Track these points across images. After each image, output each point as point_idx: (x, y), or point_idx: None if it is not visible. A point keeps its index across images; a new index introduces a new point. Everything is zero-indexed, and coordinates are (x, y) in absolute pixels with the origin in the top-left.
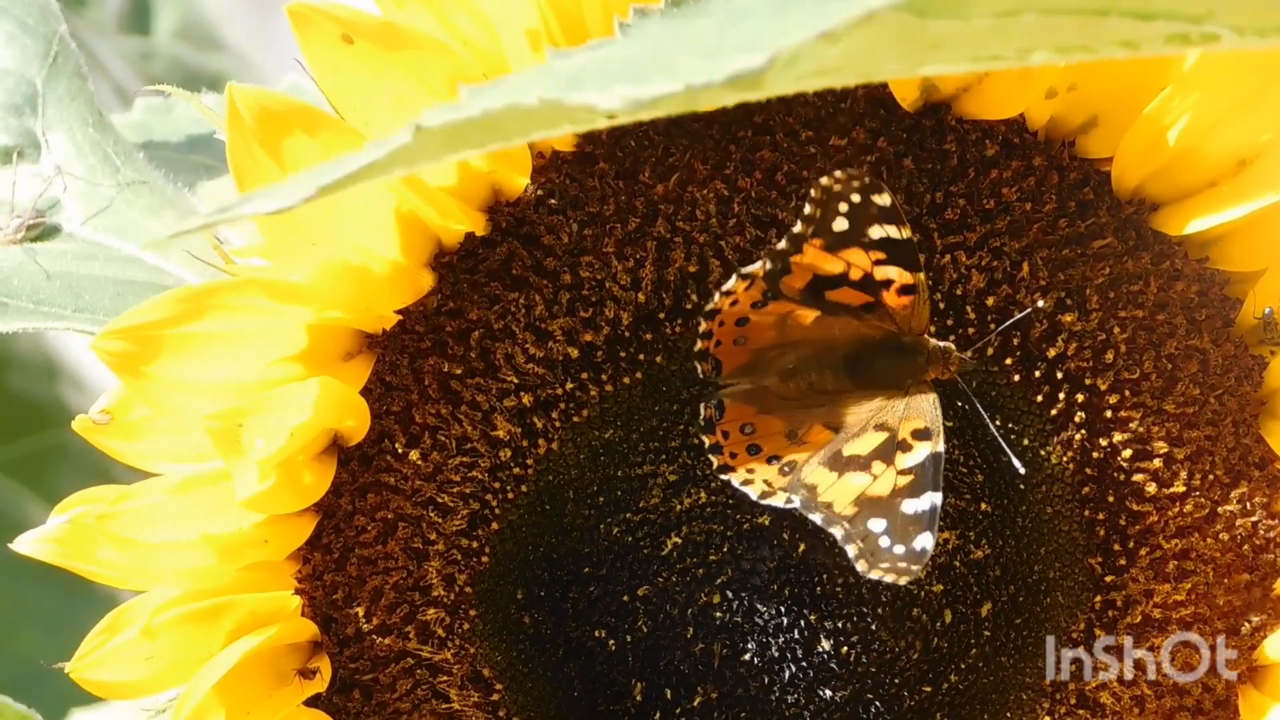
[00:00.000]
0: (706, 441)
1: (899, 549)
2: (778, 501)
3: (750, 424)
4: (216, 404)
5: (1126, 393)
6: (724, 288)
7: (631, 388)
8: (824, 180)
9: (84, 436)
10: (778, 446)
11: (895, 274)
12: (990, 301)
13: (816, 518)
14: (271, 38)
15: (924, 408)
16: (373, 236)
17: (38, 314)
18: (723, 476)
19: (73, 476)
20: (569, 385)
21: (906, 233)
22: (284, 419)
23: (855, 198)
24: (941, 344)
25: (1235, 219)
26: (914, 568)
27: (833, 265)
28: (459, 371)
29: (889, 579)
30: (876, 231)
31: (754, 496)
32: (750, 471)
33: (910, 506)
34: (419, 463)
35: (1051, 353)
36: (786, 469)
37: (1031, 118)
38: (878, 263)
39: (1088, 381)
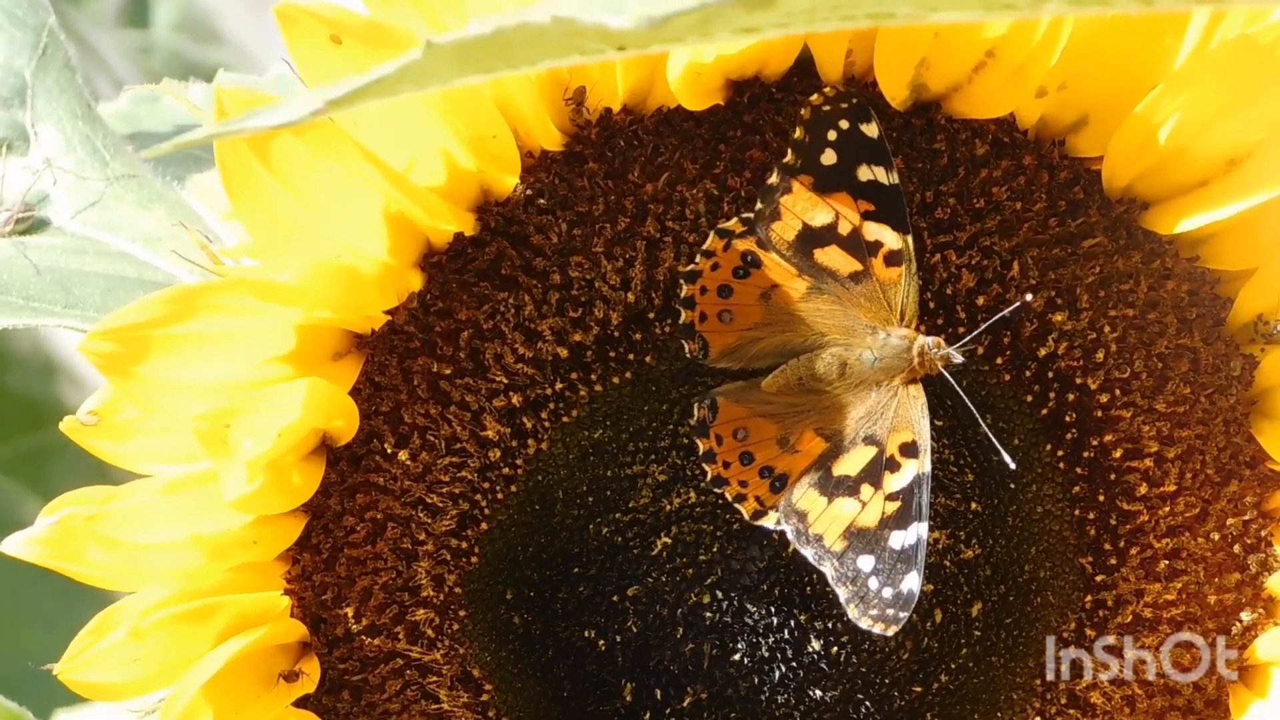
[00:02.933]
0: (700, 448)
1: (887, 592)
2: (769, 523)
3: (743, 428)
4: (205, 405)
5: (1117, 392)
6: (704, 247)
7: (621, 388)
8: (813, 98)
9: (72, 438)
10: (770, 455)
11: (883, 235)
12: (980, 301)
13: (808, 552)
14: (270, 30)
15: (912, 415)
16: (361, 236)
17: (28, 310)
18: (716, 490)
19: (71, 474)
20: (558, 385)
21: (894, 178)
22: (272, 420)
23: (844, 123)
24: (930, 339)
25: (1226, 218)
26: (901, 615)
27: (821, 213)
28: (448, 371)
29: (877, 629)
30: (865, 173)
31: (746, 516)
32: (743, 485)
33: (897, 540)
34: (408, 463)
35: (1042, 352)
36: (778, 484)
37: (1021, 117)
38: (866, 215)
39: (1078, 381)
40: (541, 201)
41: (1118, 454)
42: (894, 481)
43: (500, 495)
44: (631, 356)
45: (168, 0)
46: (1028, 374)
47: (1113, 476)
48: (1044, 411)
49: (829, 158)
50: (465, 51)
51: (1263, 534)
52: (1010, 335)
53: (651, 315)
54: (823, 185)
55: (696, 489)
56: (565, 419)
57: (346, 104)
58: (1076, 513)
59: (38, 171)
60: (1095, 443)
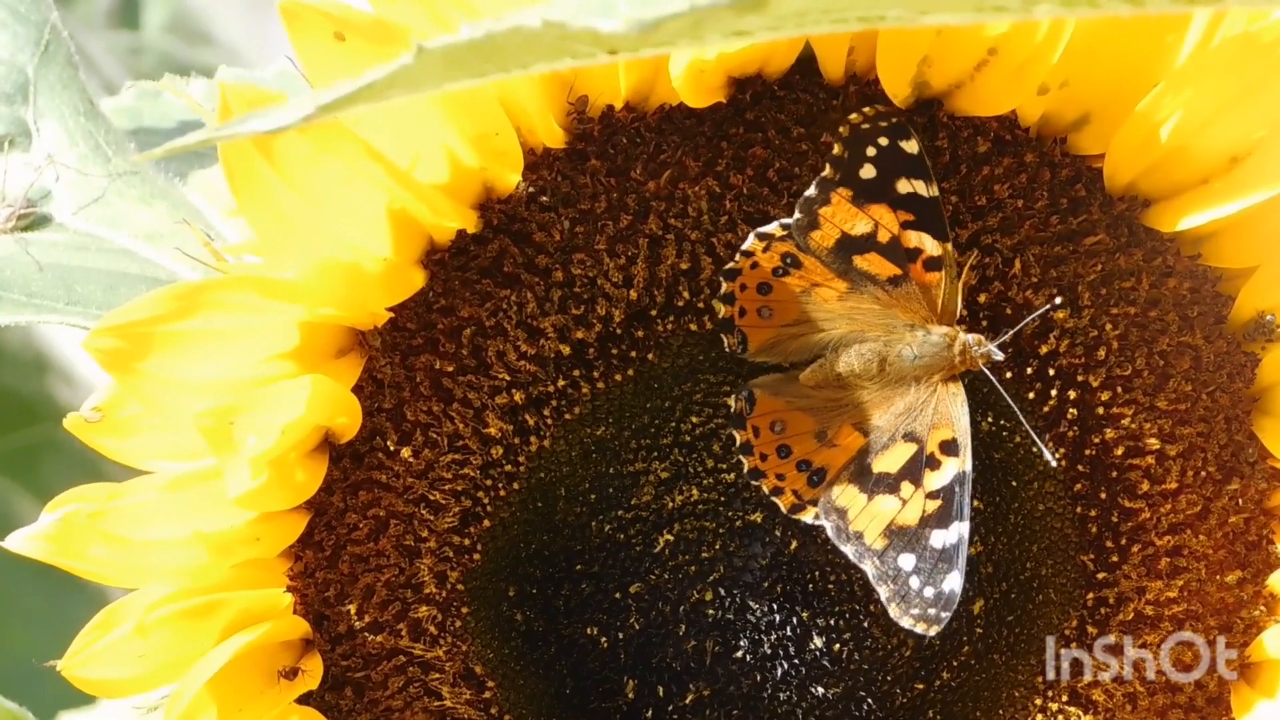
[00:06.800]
0: (738, 439)
1: (929, 591)
2: (807, 517)
3: (780, 421)
4: (208, 401)
5: (1119, 389)
6: (743, 247)
7: (623, 385)
8: (852, 116)
9: (75, 434)
10: (808, 449)
11: (923, 242)
12: (982, 298)
13: (848, 550)
14: (262, 32)
15: (953, 412)
16: (364, 234)
17: (30, 307)
18: (753, 482)
19: (63, 471)
20: (561, 382)
21: (934, 190)
22: (276, 416)
23: (883, 140)
24: (972, 336)
25: (1227, 215)
26: (943, 615)
27: (860, 223)
28: (451, 369)
29: (919, 629)
30: (904, 186)
31: (784, 509)
32: (780, 478)
33: (939, 539)
34: (411, 460)
35: (1043, 350)
36: (816, 478)
37: (1023, 114)
38: (905, 224)
39: (1080, 378)
40: (544, 199)
41: (1119, 451)
42: (935, 480)
43: (503, 492)
44: (634, 354)
45: (158, 2)
46: (1029, 371)
47: (1114, 474)
48: (1045, 409)
49: (868, 172)
50: (456, 56)
51: (1264, 531)
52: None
53: (654, 313)
54: (861, 198)
55: (699, 486)
56: (568, 416)
57: (339, 109)
58: (1078, 510)
59: (40, 168)
60: (1097, 440)
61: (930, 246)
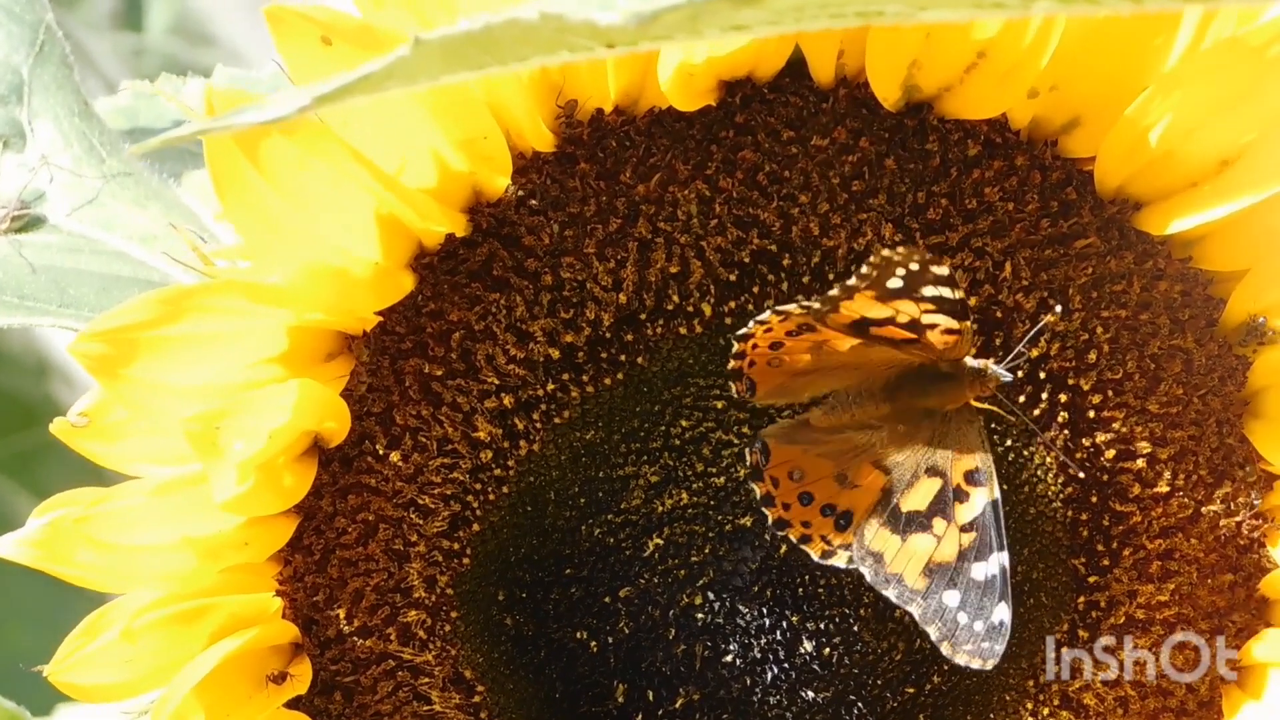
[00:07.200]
0: (758, 492)
1: (978, 625)
2: (839, 562)
3: (798, 468)
4: (196, 406)
5: (1110, 393)
6: (759, 318)
7: (613, 389)
8: (885, 252)
9: (62, 440)
10: (830, 493)
11: (943, 320)
12: (973, 302)
13: (890, 594)
14: (265, 34)
15: (971, 440)
16: (352, 238)
17: (23, 309)
18: (779, 533)
19: (63, 473)
20: (550, 386)
21: (959, 294)
22: (263, 421)
23: (914, 265)
24: (978, 363)
25: (1218, 219)
26: (997, 648)
27: (881, 311)
28: (440, 373)
29: (975, 664)
30: (929, 290)
31: (815, 557)
32: (806, 526)
33: (980, 571)
34: (400, 464)
35: (1034, 353)
36: (842, 522)
37: (1014, 117)
38: (927, 312)
39: (1070, 382)
40: (533, 202)
41: (1110, 455)
42: (965, 512)
43: (492, 496)
44: (623, 358)
45: (161, 3)
46: (1019, 375)
47: (1105, 478)
48: (1036, 412)
49: (895, 283)
50: (454, 48)
51: (1255, 535)
52: (1003, 336)
53: (643, 316)
54: (886, 297)
55: (688, 490)
56: (557, 420)
57: (335, 100)
58: (1069, 514)
59: (34, 169)
60: (1088, 444)
61: (949, 323)
